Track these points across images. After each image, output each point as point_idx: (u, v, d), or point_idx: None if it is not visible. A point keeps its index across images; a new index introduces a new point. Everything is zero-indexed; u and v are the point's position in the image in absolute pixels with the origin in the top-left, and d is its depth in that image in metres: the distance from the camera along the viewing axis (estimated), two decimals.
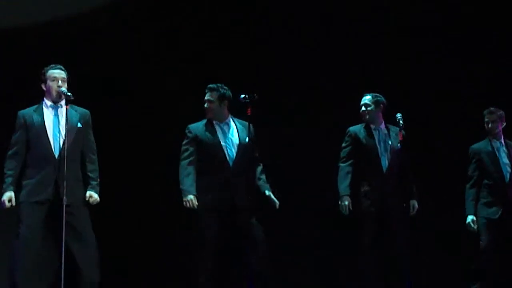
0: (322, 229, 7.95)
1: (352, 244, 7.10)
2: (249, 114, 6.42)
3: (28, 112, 6.21)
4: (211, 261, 6.47)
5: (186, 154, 6.59)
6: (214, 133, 6.62)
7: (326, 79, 8.25)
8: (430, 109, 8.17)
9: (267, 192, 6.61)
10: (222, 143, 6.58)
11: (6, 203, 6.05)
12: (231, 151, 6.58)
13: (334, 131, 7.43)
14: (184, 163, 6.56)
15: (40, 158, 6.09)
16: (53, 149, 6.08)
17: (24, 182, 6.11)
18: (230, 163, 6.54)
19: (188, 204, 6.45)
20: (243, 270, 6.60)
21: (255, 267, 6.45)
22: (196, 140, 6.59)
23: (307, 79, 8.27)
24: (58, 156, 6.05)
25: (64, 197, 5.93)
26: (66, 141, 6.04)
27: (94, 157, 6.30)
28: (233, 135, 6.64)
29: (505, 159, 7.17)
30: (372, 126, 6.99)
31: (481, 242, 7.04)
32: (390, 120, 7.05)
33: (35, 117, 6.15)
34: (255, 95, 6.40)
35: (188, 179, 6.50)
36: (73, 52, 7.68)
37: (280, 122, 8.09)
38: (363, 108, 7.00)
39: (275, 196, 6.64)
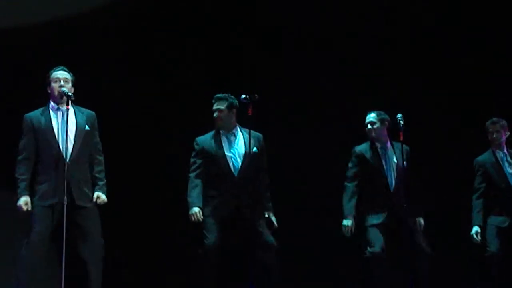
0: (323, 230, 7.95)
1: (353, 244, 7.12)
2: (249, 114, 6.43)
3: (35, 115, 6.20)
4: (214, 262, 6.50)
5: (193, 167, 6.68)
6: (220, 144, 6.68)
7: (326, 79, 8.25)
8: (431, 110, 8.18)
9: (266, 214, 6.68)
10: (227, 154, 6.63)
11: (23, 207, 6.06)
12: (236, 162, 6.63)
13: (335, 131, 7.44)
14: (192, 175, 6.66)
15: (49, 162, 6.09)
16: (62, 152, 6.07)
17: (37, 187, 6.12)
18: (235, 174, 6.59)
19: (193, 218, 6.54)
20: (244, 270, 6.60)
21: (258, 268, 6.46)
22: (203, 152, 6.68)
23: (308, 79, 8.26)
24: (68, 159, 6.03)
25: (65, 197, 5.92)
26: (75, 143, 6.10)
27: (101, 158, 6.35)
28: (239, 145, 6.68)
29: (509, 169, 7.16)
30: (378, 145, 7.03)
31: (487, 249, 7.03)
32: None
33: (43, 120, 6.14)
34: (255, 95, 6.41)
35: (194, 191, 6.59)
36: (73, 53, 7.67)
37: (280, 122, 8.09)
38: (369, 126, 7.04)
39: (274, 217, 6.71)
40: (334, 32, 8.34)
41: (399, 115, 6.84)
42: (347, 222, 6.87)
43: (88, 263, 6.12)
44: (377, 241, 6.79)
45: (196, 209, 6.52)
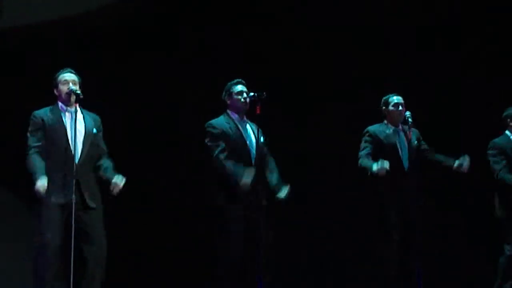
0: (328, 225, 7.96)
1: (359, 240, 7.14)
2: (258, 112, 6.39)
3: (44, 112, 6.12)
4: (237, 253, 6.37)
5: (219, 148, 6.40)
6: (237, 129, 6.51)
7: (329, 77, 8.27)
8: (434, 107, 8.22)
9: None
10: (247, 141, 6.50)
11: (41, 190, 5.82)
12: (252, 149, 6.49)
13: (341, 129, 7.48)
14: (221, 156, 6.37)
15: (59, 161, 6.00)
16: (72, 153, 5.99)
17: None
18: (253, 161, 6.45)
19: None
20: (251, 264, 6.53)
21: (261, 261, 6.38)
22: (223, 135, 6.44)
23: (312, 77, 8.28)
24: (77, 160, 5.98)
25: (73, 196, 5.88)
26: (84, 146, 6.06)
27: (108, 160, 6.27)
28: (250, 134, 6.55)
29: None
30: (392, 127, 6.98)
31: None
32: None
33: (54, 119, 6.08)
34: (264, 93, 6.37)
35: (234, 166, 6.32)
36: (73, 53, 7.65)
37: (286, 120, 8.10)
38: (401, 108, 6.96)
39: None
40: (338, 30, 8.37)
41: (408, 113, 6.85)
42: (377, 164, 6.61)
43: (90, 262, 6.03)
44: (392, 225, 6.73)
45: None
